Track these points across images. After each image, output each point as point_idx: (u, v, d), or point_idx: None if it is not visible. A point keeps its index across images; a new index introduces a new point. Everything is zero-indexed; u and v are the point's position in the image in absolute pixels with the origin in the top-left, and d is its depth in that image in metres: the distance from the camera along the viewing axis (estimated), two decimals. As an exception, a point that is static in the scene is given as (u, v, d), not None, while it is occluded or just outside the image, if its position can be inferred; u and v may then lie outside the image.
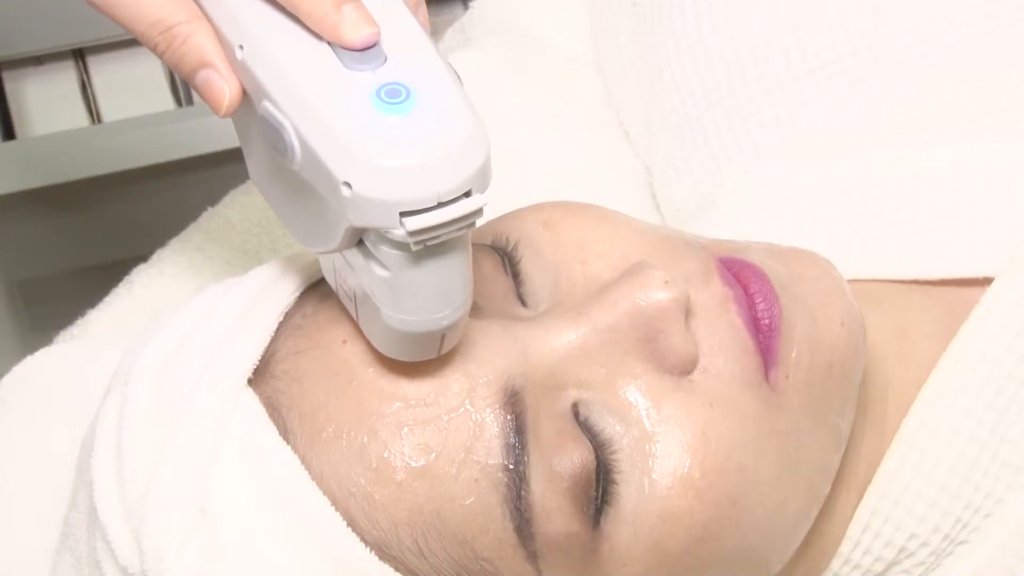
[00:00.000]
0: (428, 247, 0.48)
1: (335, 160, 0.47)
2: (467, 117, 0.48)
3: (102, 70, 1.25)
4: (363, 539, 0.53)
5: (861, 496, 0.63)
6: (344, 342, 0.55)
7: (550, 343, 0.55)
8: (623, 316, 0.55)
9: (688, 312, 0.55)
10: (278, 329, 0.57)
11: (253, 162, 0.55)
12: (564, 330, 0.55)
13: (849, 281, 0.60)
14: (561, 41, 0.89)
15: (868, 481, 0.63)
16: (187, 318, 0.59)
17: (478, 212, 0.47)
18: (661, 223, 0.81)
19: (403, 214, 0.46)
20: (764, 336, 0.56)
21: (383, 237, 0.48)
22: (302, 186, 0.49)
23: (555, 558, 0.53)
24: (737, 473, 0.54)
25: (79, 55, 1.26)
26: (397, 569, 0.53)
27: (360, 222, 0.47)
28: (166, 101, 1.25)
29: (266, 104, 0.49)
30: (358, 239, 0.50)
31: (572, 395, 0.55)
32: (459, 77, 0.49)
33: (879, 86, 0.72)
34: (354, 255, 0.51)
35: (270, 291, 0.58)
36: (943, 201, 0.68)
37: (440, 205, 0.47)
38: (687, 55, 0.77)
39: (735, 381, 0.55)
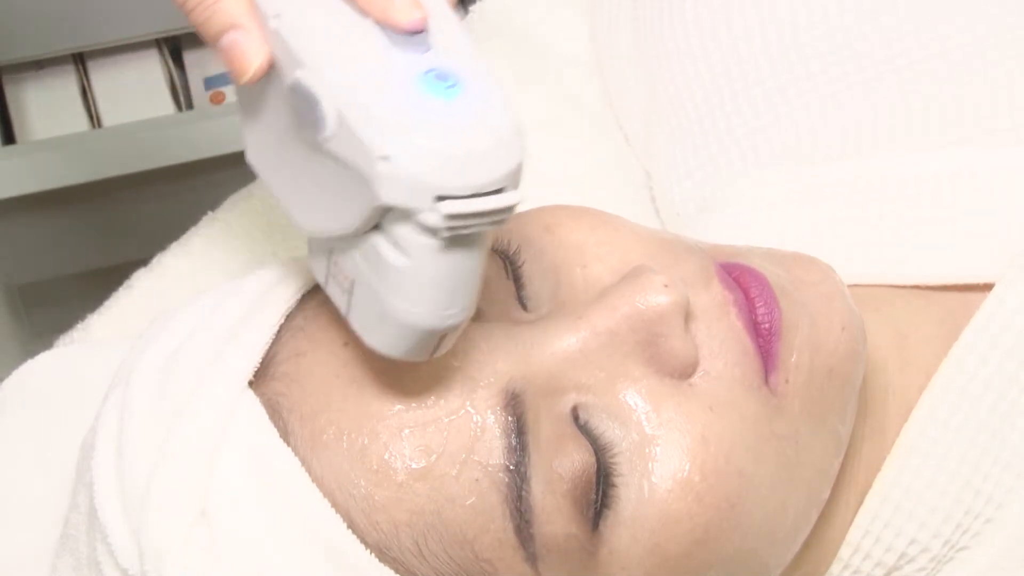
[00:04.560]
0: (454, 237, 0.47)
1: (375, 133, 0.46)
2: (511, 114, 0.47)
3: (102, 75, 1.25)
4: (363, 541, 0.53)
5: (861, 501, 0.63)
6: (345, 344, 0.55)
7: (550, 347, 0.55)
8: (622, 320, 0.55)
9: (688, 315, 0.55)
10: (279, 331, 0.57)
11: (256, 137, 0.54)
12: (564, 334, 0.55)
13: (849, 286, 0.60)
14: (561, 44, 0.89)
15: (868, 486, 0.63)
16: (188, 320, 0.59)
17: (511, 209, 0.47)
18: (661, 227, 0.81)
19: (438, 198, 0.46)
20: (764, 340, 0.56)
21: (409, 220, 0.47)
22: (321, 163, 0.48)
23: (554, 560, 0.53)
24: (736, 476, 0.54)
25: (79, 60, 1.26)
26: (397, 571, 0.53)
27: (391, 200, 0.46)
28: (166, 105, 1.25)
29: (299, 74, 0.47)
30: (375, 223, 0.48)
31: (572, 398, 0.55)
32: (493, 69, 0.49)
33: (880, 90, 0.72)
34: (363, 240, 0.49)
35: (271, 293, 0.58)
36: (944, 206, 0.68)
37: (476, 195, 0.46)
38: (687, 59, 0.77)
39: (735, 384, 0.55)
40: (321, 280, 0.54)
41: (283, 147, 0.52)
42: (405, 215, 0.47)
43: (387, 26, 0.48)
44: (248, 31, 0.49)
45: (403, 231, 0.47)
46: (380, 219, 0.48)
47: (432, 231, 0.47)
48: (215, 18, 0.50)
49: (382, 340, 0.51)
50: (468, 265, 0.49)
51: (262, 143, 0.54)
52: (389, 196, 0.46)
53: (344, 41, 0.48)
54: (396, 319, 0.49)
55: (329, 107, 0.47)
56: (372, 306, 0.50)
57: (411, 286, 0.49)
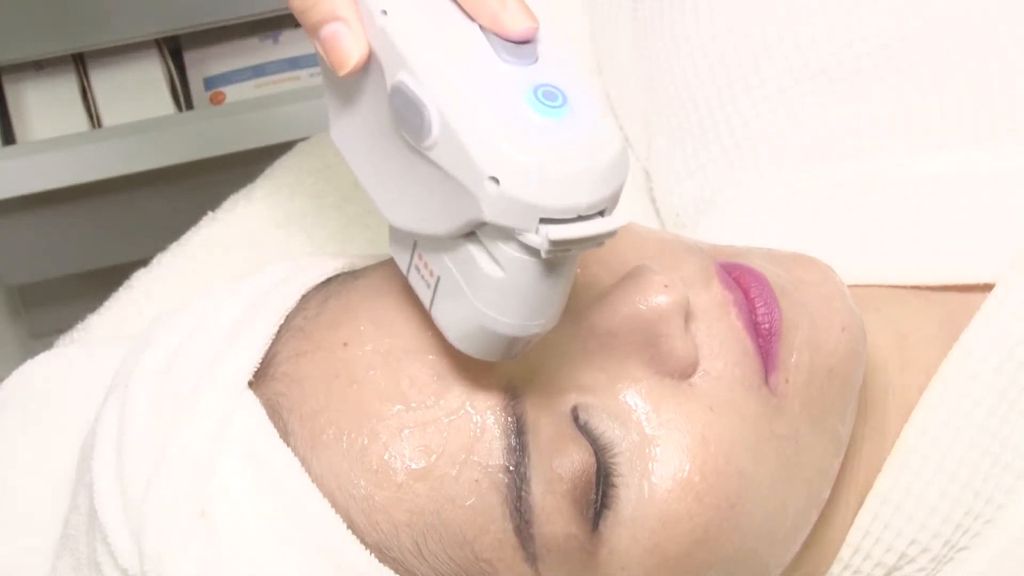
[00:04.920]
0: (554, 258, 0.47)
1: (485, 153, 0.45)
2: (617, 135, 0.47)
3: (102, 75, 1.25)
4: (363, 541, 0.53)
5: (861, 501, 0.63)
6: (345, 345, 0.55)
7: (550, 347, 0.55)
8: (623, 321, 0.55)
9: (688, 316, 0.55)
10: (279, 331, 0.57)
11: (345, 125, 0.53)
12: (564, 335, 0.55)
13: (849, 286, 0.60)
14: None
15: (869, 486, 0.63)
16: (188, 320, 0.59)
17: (614, 233, 0.46)
18: (661, 228, 0.81)
19: (543, 220, 0.45)
20: (764, 340, 0.56)
21: (511, 238, 0.46)
22: (417, 164, 0.48)
23: (554, 560, 0.53)
24: (736, 476, 0.54)
25: (79, 60, 1.26)
26: (397, 571, 0.53)
27: (495, 219, 0.46)
28: (166, 105, 1.25)
29: (404, 78, 0.47)
30: (470, 230, 0.48)
31: (572, 399, 0.55)
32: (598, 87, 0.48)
33: (880, 91, 0.72)
34: (455, 243, 0.49)
35: (271, 293, 0.58)
36: (944, 207, 0.68)
37: (580, 218, 0.46)
38: (688, 60, 0.77)
39: (735, 384, 0.55)
40: (403, 268, 0.53)
41: (375, 138, 0.51)
42: (506, 232, 0.46)
43: (497, 33, 0.47)
44: (350, 24, 0.49)
45: (502, 246, 0.47)
46: (475, 228, 0.48)
47: (533, 251, 0.46)
48: (318, 7, 0.49)
49: (464, 339, 0.51)
50: (561, 281, 0.48)
51: (350, 128, 0.53)
52: (494, 215, 0.46)
53: (450, 46, 0.47)
54: (482, 324, 0.49)
55: (434, 115, 0.46)
56: (458, 306, 0.50)
57: (503, 297, 0.48)
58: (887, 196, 0.70)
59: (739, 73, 0.75)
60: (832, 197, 0.71)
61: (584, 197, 0.45)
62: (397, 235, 0.53)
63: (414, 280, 0.53)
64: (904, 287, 0.68)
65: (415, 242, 0.52)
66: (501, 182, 0.45)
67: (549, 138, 0.45)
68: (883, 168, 0.71)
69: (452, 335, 0.51)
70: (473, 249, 0.48)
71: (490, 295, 0.48)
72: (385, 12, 0.48)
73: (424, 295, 0.52)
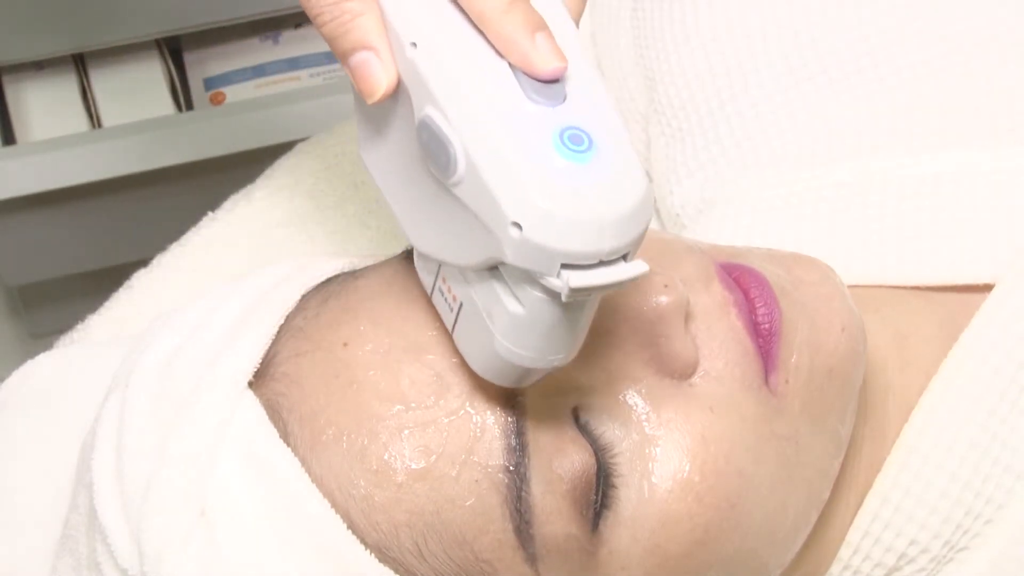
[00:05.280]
0: (575, 301, 0.47)
1: (508, 197, 0.45)
2: (642, 179, 0.46)
3: (102, 75, 1.25)
4: (363, 541, 0.53)
5: (861, 502, 0.63)
6: (345, 345, 0.55)
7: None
8: (622, 321, 0.55)
9: (688, 316, 0.55)
10: (279, 331, 0.57)
11: (375, 147, 0.53)
12: (564, 335, 0.55)
13: (849, 287, 0.60)
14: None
15: (868, 487, 0.63)
16: (188, 321, 0.59)
17: (635, 279, 0.46)
18: (660, 228, 0.81)
19: (564, 266, 0.45)
20: (764, 340, 0.56)
21: (532, 280, 0.46)
22: (443, 197, 0.48)
23: (554, 560, 0.53)
24: (736, 476, 0.54)
25: (79, 60, 1.26)
26: (397, 571, 0.53)
27: (516, 262, 0.46)
28: (166, 106, 1.25)
29: (431, 112, 0.47)
30: (492, 265, 0.48)
31: (572, 399, 0.55)
32: (625, 126, 0.48)
33: (880, 91, 0.72)
34: (480, 276, 0.49)
35: (271, 293, 0.58)
36: (944, 207, 0.68)
37: (601, 264, 0.46)
38: (687, 60, 0.77)
39: (735, 384, 0.55)
40: (427, 288, 0.54)
41: (404, 165, 0.51)
42: (528, 274, 0.46)
43: (526, 72, 0.47)
44: (380, 53, 0.49)
45: (525, 285, 0.47)
46: (498, 264, 0.48)
47: (554, 294, 0.46)
48: (349, 36, 0.50)
49: (482, 365, 0.51)
50: (582, 319, 0.49)
51: (380, 151, 0.53)
52: (515, 259, 0.46)
53: (479, 83, 0.47)
54: (501, 354, 0.49)
55: (460, 153, 0.46)
56: (478, 334, 0.50)
57: (523, 332, 0.48)
58: (887, 196, 0.70)
59: (739, 73, 0.75)
60: (832, 197, 0.71)
61: (606, 243, 0.45)
62: (421, 257, 0.53)
63: (437, 302, 0.53)
64: (904, 287, 0.68)
65: (439, 265, 0.52)
66: (523, 228, 0.45)
67: (573, 183, 0.45)
68: (883, 168, 0.71)
69: (472, 361, 0.52)
70: (495, 284, 0.48)
71: (510, 329, 0.49)
72: (415, 45, 0.48)
73: (447, 318, 0.52)
